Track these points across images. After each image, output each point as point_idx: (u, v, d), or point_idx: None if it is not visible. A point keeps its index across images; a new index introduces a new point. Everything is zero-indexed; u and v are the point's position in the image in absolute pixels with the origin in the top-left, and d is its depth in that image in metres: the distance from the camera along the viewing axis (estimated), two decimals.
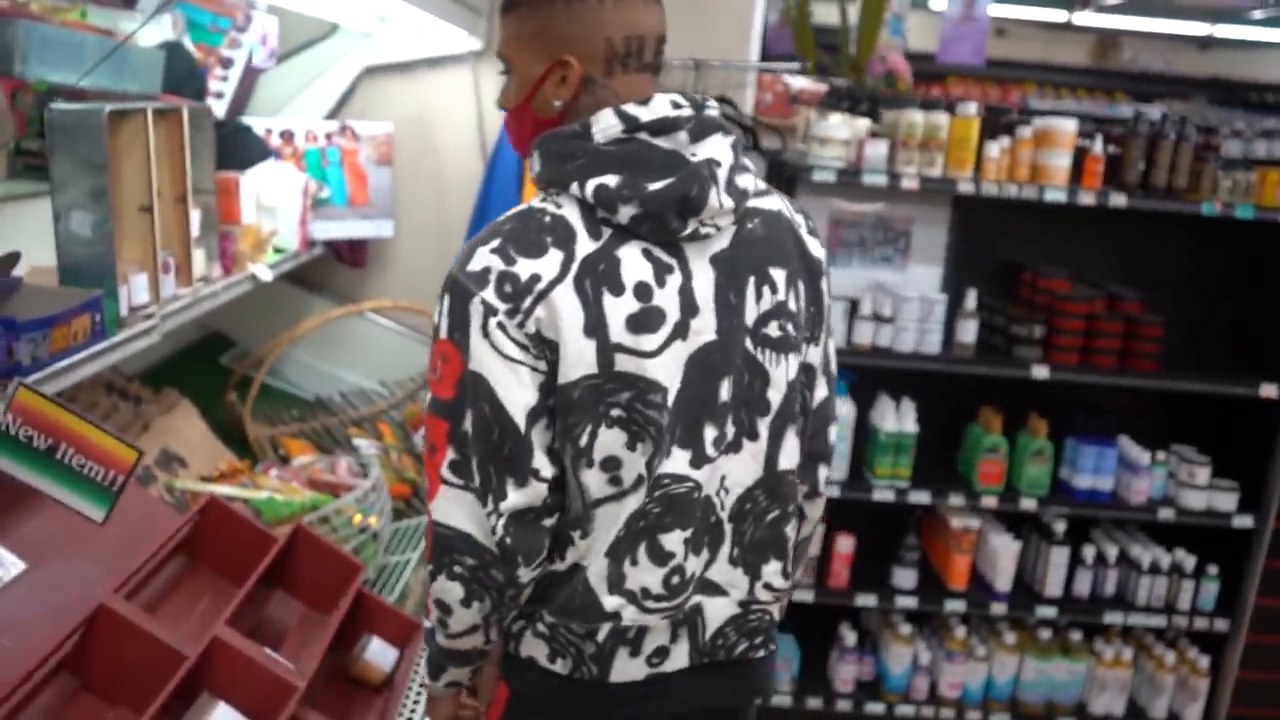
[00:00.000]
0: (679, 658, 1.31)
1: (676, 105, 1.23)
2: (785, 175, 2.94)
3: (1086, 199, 2.70)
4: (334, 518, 2.17)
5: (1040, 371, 2.80)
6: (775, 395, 1.29)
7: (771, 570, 1.35)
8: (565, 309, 1.17)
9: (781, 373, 1.30)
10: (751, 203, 1.29)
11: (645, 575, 1.26)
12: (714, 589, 1.32)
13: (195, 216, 2.13)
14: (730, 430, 1.27)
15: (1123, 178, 2.75)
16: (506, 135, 1.39)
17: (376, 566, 2.29)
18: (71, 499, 1.45)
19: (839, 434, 2.90)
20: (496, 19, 3.16)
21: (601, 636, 1.27)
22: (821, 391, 1.39)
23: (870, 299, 2.83)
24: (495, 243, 1.18)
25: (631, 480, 1.23)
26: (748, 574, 1.34)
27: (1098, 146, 2.72)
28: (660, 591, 1.27)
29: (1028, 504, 2.92)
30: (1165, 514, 2.93)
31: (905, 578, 2.98)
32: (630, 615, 1.26)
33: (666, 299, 1.21)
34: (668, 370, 1.21)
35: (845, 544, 2.96)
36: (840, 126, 2.74)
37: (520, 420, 1.19)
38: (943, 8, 7.08)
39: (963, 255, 3.05)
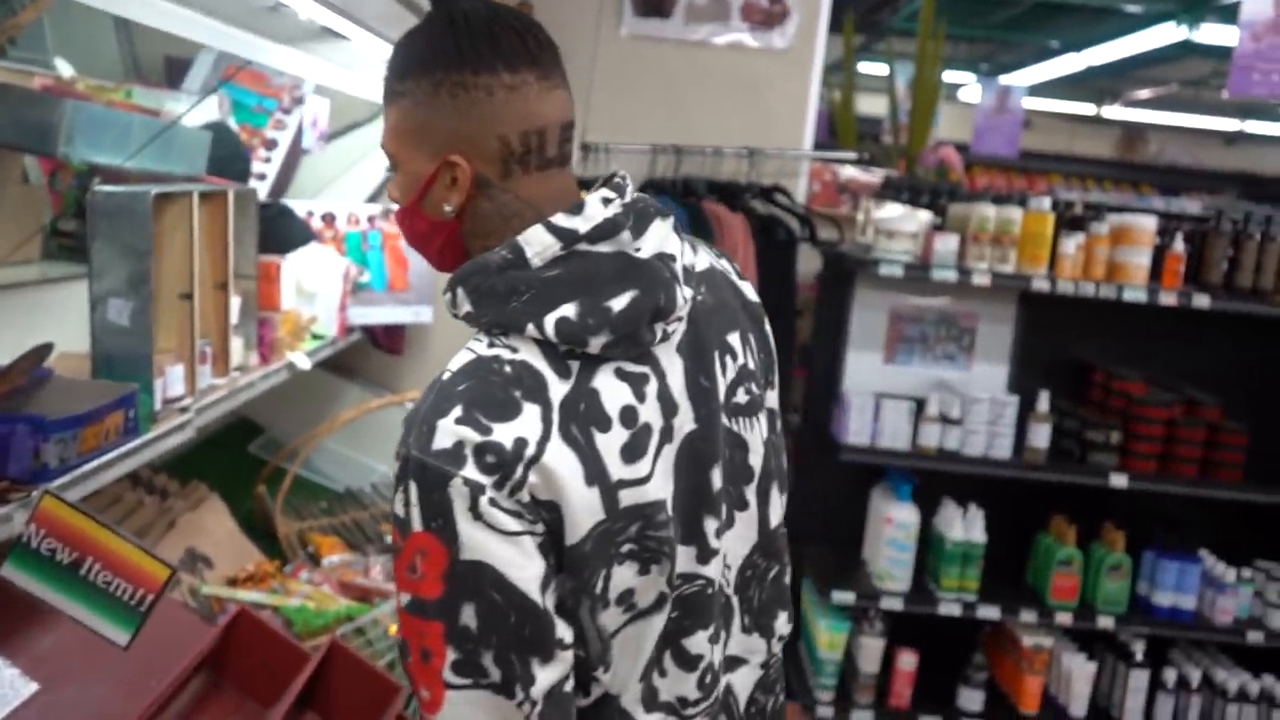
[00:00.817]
0: None
1: (607, 201, 1.08)
2: (845, 268, 2.83)
3: (1168, 299, 2.57)
4: (370, 629, 2.01)
5: (1119, 480, 2.63)
6: (755, 459, 1.22)
7: (781, 623, 1.31)
8: (562, 467, 1.03)
9: (756, 435, 1.22)
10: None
11: (679, 685, 1.17)
12: (737, 662, 1.26)
13: (235, 303, 2.02)
14: (724, 513, 1.19)
15: (1204, 277, 2.62)
16: (401, 230, 1.21)
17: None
18: (94, 620, 1.30)
19: (902, 541, 2.74)
20: None
21: None
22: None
23: (937, 400, 2.68)
24: (457, 411, 1.01)
25: (650, 601, 1.13)
26: (764, 636, 1.28)
27: (1178, 245, 2.60)
28: (696, 696, 1.19)
29: (1104, 622, 2.72)
30: (1254, 636, 2.72)
31: (972, 699, 2.77)
32: None
33: (649, 412, 1.09)
34: (663, 480, 1.10)
35: (908, 661, 2.75)
36: (906, 219, 2.63)
37: (537, 596, 1.04)
38: (975, 100, 7.08)
39: (1030, 353, 2.91)
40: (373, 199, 3.10)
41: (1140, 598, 2.80)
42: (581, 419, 1.04)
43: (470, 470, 1.00)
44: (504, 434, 1.00)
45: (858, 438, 2.69)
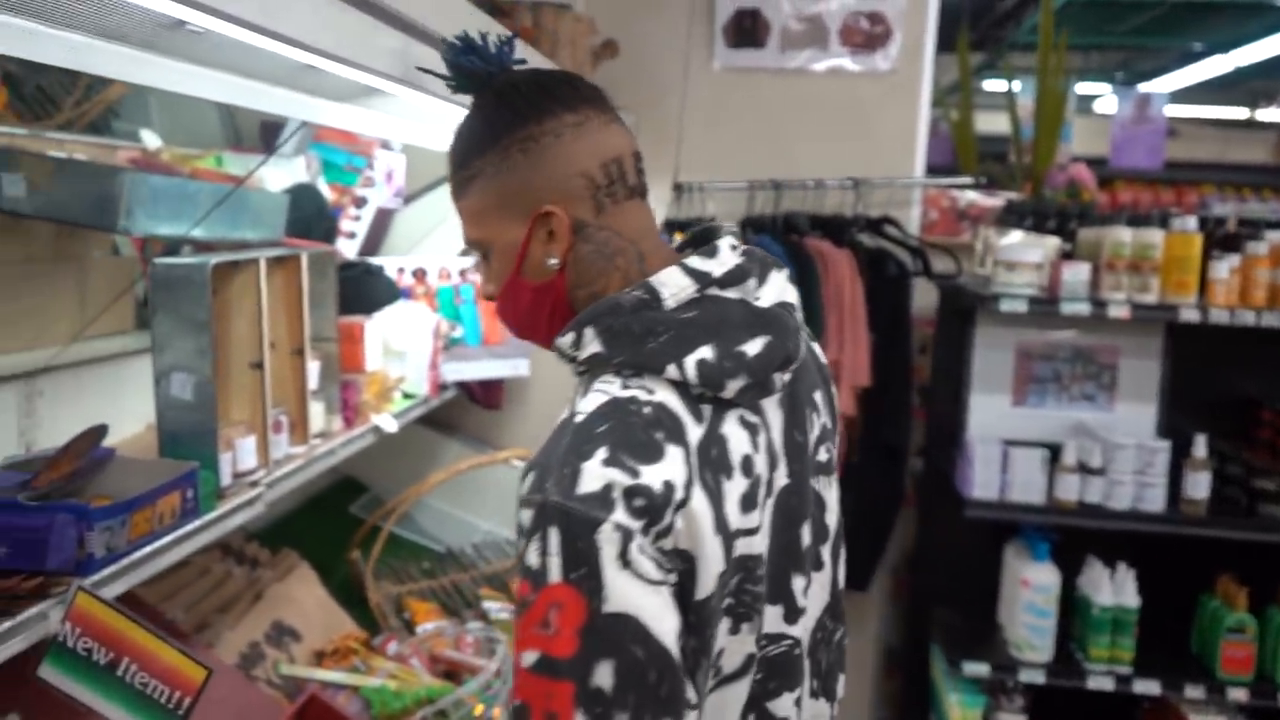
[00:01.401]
0: None
1: (734, 247, 1.09)
2: (963, 304, 2.60)
3: None
4: (452, 711, 1.90)
5: None
6: (831, 519, 1.21)
7: (840, 686, 1.27)
8: (700, 514, 0.99)
9: (833, 495, 1.22)
10: None
11: None
12: None
13: (314, 368, 1.97)
14: (808, 572, 1.16)
15: None
16: (503, 320, 1.17)
17: None
18: None
19: (1041, 606, 2.46)
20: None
21: None
22: None
23: (1075, 447, 2.41)
24: (603, 453, 0.97)
25: (736, 665, 1.09)
26: (829, 700, 1.24)
27: None
28: None
29: None
30: None
31: None
32: None
33: (761, 463, 1.07)
34: (765, 535, 1.08)
35: None
36: (1028, 248, 2.39)
37: (675, 651, 1.00)
38: (1112, 111, 6.65)
39: (1182, 391, 2.60)
40: (466, 252, 3.05)
41: None
42: (713, 465, 1.02)
43: (620, 515, 0.96)
44: (652, 477, 0.97)
45: (984, 491, 2.44)
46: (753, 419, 1.07)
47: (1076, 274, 2.33)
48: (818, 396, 1.19)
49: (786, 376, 1.08)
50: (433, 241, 3.06)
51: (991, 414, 2.67)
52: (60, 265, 1.76)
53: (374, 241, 2.78)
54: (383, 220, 2.78)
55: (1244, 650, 2.39)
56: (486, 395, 3.01)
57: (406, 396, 2.50)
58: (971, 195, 3.39)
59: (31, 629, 1.17)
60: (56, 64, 1.06)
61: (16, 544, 1.21)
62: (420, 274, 2.74)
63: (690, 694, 1.02)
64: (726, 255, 1.07)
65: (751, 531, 1.06)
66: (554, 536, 0.95)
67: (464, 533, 3.02)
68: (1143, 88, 6.97)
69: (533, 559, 0.97)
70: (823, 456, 1.18)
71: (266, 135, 2.60)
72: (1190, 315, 2.29)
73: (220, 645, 1.87)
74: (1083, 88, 7.77)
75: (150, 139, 2.17)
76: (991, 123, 4.71)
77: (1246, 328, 2.30)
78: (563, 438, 1.00)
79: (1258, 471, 2.38)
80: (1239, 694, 2.39)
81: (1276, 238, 2.34)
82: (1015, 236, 2.45)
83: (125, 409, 1.87)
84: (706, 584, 1.01)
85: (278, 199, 2.12)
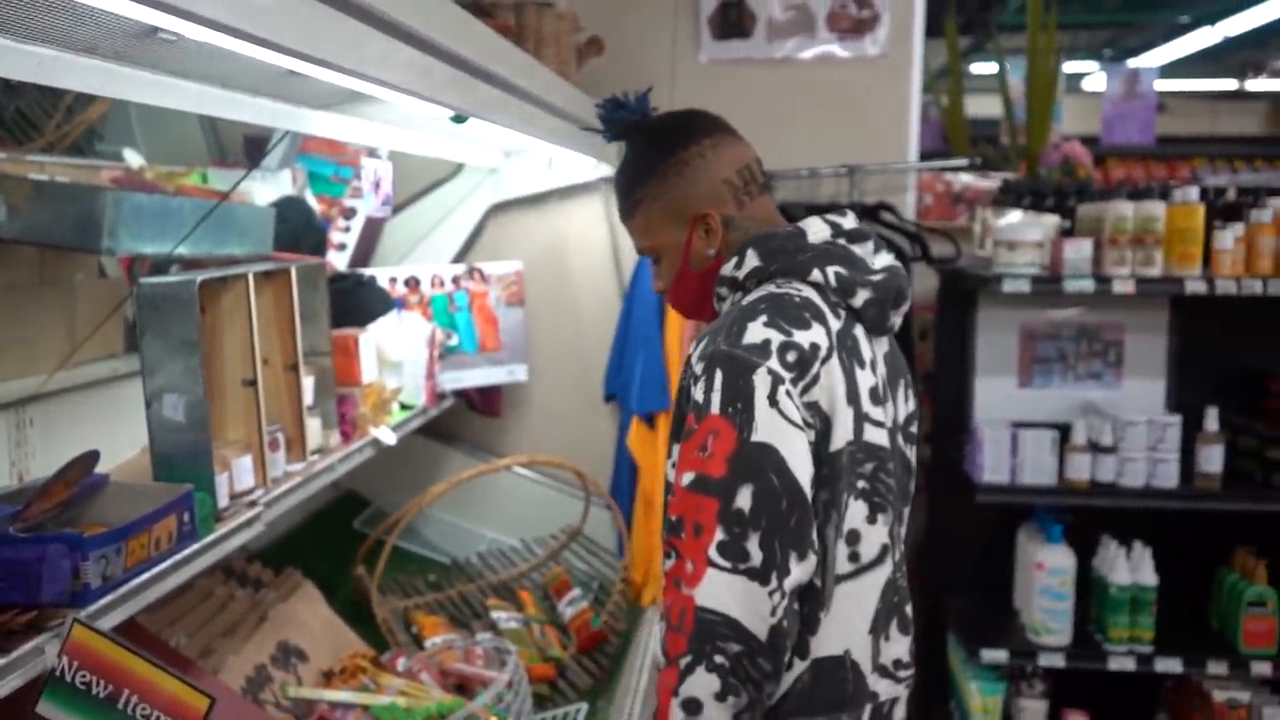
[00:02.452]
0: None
1: (857, 219, 1.37)
2: (964, 287, 2.56)
3: None
4: None
5: None
6: (910, 486, 1.40)
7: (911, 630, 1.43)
8: (835, 377, 1.23)
9: (913, 465, 1.41)
10: None
11: (896, 647, 1.33)
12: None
13: (309, 383, 1.93)
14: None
15: None
16: (675, 307, 1.47)
17: None
18: None
19: (1057, 589, 2.43)
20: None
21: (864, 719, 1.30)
22: None
23: (1084, 426, 2.38)
24: (763, 318, 1.22)
25: (874, 554, 1.28)
26: (905, 635, 1.40)
27: None
28: (907, 660, 1.35)
29: None
30: None
31: None
32: (885, 689, 1.31)
33: (880, 380, 1.31)
34: (887, 438, 1.29)
35: None
36: (1028, 227, 2.36)
37: (808, 489, 1.20)
38: (1100, 88, 6.62)
39: (1190, 365, 2.57)
40: (459, 257, 3.02)
41: None
42: (848, 350, 1.26)
43: (774, 363, 1.20)
44: (803, 338, 1.22)
45: (995, 475, 2.41)
46: (869, 350, 1.30)
47: (1079, 250, 2.30)
48: (906, 375, 1.39)
49: (897, 321, 1.33)
50: (424, 250, 3.02)
51: (998, 397, 2.63)
52: (46, 290, 1.72)
53: (364, 252, 2.75)
54: (372, 230, 2.75)
55: (1265, 623, 2.35)
56: (485, 403, 2.97)
57: (404, 408, 2.46)
58: (966, 178, 3.36)
59: (28, 664, 1.13)
60: (26, 79, 1.02)
61: (9, 577, 1.17)
62: (413, 283, 2.71)
63: (814, 538, 1.21)
64: (852, 218, 1.35)
65: (879, 424, 1.28)
66: (719, 376, 1.20)
67: (469, 543, 2.98)
68: (1131, 63, 6.94)
69: (699, 395, 1.21)
70: (913, 428, 1.39)
71: (251, 150, 2.56)
72: (1196, 287, 2.26)
73: (225, 670, 1.83)
74: (1070, 67, 7.73)
75: (133, 158, 2.13)
76: (981, 106, 4.67)
77: (1253, 297, 2.27)
78: (729, 317, 1.25)
79: (1271, 442, 2.35)
80: (1263, 668, 2.36)
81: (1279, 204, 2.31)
82: (1014, 216, 2.42)
83: (118, 433, 1.83)
84: (838, 441, 1.23)
85: (264, 213, 2.08)
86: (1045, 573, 2.41)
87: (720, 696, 1.17)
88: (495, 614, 2.51)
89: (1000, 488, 2.42)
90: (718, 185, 1.34)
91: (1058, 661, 2.39)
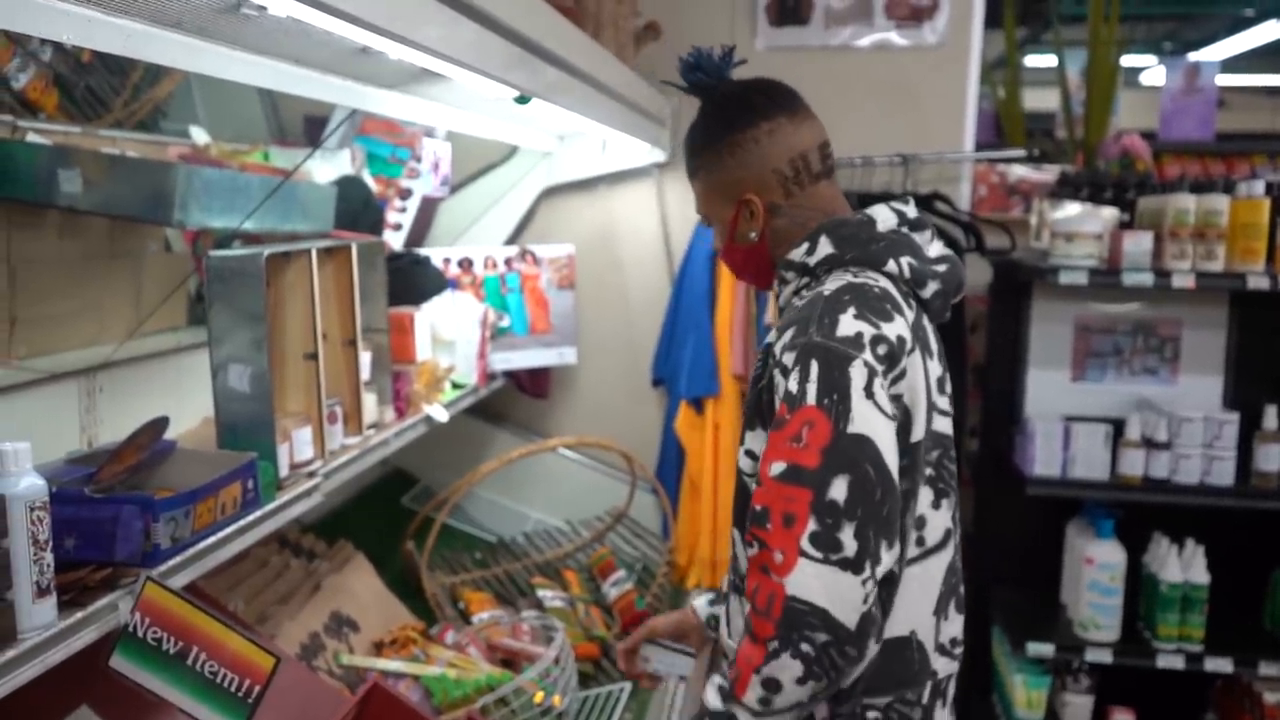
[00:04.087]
0: (953, 697, 1.41)
1: (918, 208, 1.40)
2: (1019, 279, 2.54)
3: None
4: (513, 698, 1.89)
5: None
6: (954, 468, 1.39)
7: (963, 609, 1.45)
8: (917, 370, 1.27)
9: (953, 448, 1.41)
10: None
11: (953, 626, 1.37)
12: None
13: (366, 359, 1.96)
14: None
15: None
16: (728, 267, 1.52)
17: None
18: (203, 711, 1.23)
19: (1106, 585, 2.40)
20: (680, 130, 2.96)
21: (926, 697, 1.34)
22: None
23: (1138, 421, 2.35)
24: (852, 310, 1.24)
25: (938, 538, 1.32)
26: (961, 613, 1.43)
27: None
28: (962, 638, 1.39)
29: None
30: None
31: None
32: (943, 666, 1.36)
33: (944, 369, 1.36)
34: (949, 426, 1.34)
35: None
36: (1087, 218, 2.33)
37: (898, 480, 1.23)
38: (1159, 82, 6.49)
39: (1249, 362, 2.52)
40: (511, 239, 3.04)
41: None
42: (921, 341, 1.29)
43: (869, 355, 1.22)
44: (891, 331, 1.24)
45: (1046, 468, 2.38)
46: (934, 341, 1.33)
47: (1139, 244, 2.26)
48: (944, 370, 1.39)
49: (948, 313, 1.37)
50: (478, 231, 3.05)
51: (1050, 390, 2.61)
52: (115, 262, 1.77)
53: (419, 232, 2.78)
54: (428, 210, 2.78)
55: None
56: (534, 384, 3.00)
57: (456, 386, 2.49)
58: (1021, 170, 3.31)
59: (102, 620, 1.17)
60: (113, 51, 1.05)
61: (84, 536, 1.21)
62: (466, 264, 2.74)
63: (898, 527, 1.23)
64: (914, 208, 1.38)
65: (945, 413, 1.33)
66: (814, 367, 1.21)
67: (515, 522, 3.02)
68: (1191, 57, 6.79)
69: (793, 386, 1.23)
70: (954, 413, 1.38)
71: (311, 130, 2.60)
72: (1259, 283, 2.21)
73: (281, 636, 1.88)
74: (1128, 60, 7.58)
75: (199, 135, 2.18)
76: (1036, 99, 4.60)
77: None
78: (814, 307, 1.26)
79: None
80: None
81: None
82: (1072, 208, 2.38)
83: (181, 404, 1.88)
84: (918, 433, 1.26)
85: (326, 191, 2.12)
86: (1095, 568, 2.39)
87: (801, 680, 1.20)
88: (541, 592, 2.55)
89: (1051, 481, 2.40)
90: (766, 173, 1.35)
91: (1105, 657, 2.37)
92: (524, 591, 2.61)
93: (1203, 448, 2.31)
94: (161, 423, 1.46)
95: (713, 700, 1.29)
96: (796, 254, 1.35)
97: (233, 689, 1.22)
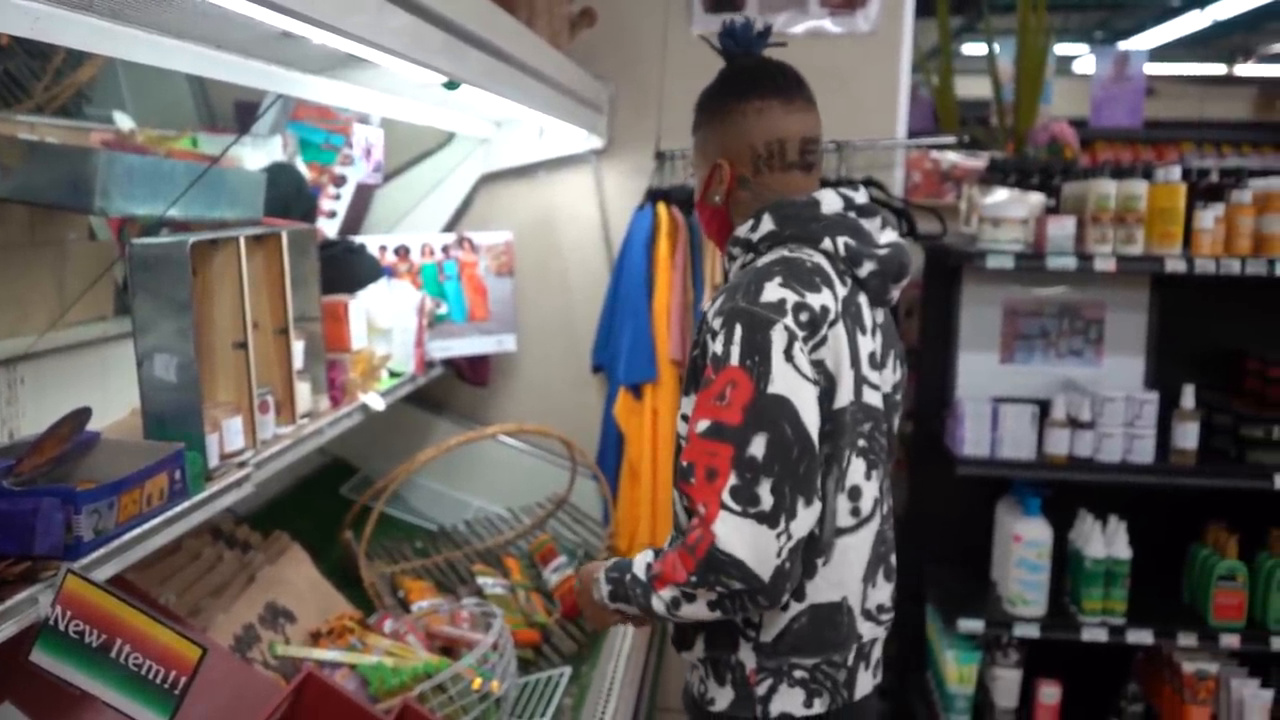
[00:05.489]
0: (876, 660, 1.49)
1: (868, 194, 1.48)
2: (949, 263, 2.59)
3: None
4: (450, 685, 1.89)
5: None
6: (890, 446, 1.47)
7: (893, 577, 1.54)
8: (841, 340, 1.33)
9: (894, 431, 1.51)
10: None
11: (880, 593, 1.45)
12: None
13: (298, 347, 1.94)
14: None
15: None
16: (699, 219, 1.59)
17: None
18: (128, 704, 1.22)
19: (1034, 561, 2.47)
20: (618, 117, 2.96)
21: (850, 659, 1.42)
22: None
23: (1064, 401, 2.41)
24: (778, 279, 1.32)
25: (869, 509, 1.40)
26: (890, 581, 1.51)
27: None
28: (889, 604, 1.47)
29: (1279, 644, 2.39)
30: None
31: None
32: (868, 631, 1.44)
33: (878, 347, 1.42)
34: (881, 402, 1.41)
35: (1050, 693, 2.49)
36: (1014, 204, 2.38)
37: (816, 439, 1.30)
38: (1090, 70, 6.62)
39: (1169, 343, 2.61)
40: (449, 226, 3.03)
41: None
42: (852, 316, 1.37)
43: (790, 320, 1.29)
44: (815, 300, 1.32)
45: (975, 448, 2.44)
46: (870, 318, 1.40)
47: (1062, 228, 2.32)
48: (893, 351, 1.47)
49: (895, 295, 1.43)
50: (415, 218, 3.03)
51: (980, 373, 2.67)
52: (37, 251, 1.72)
53: (355, 220, 2.75)
54: (363, 197, 2.75)
55: (1235, 597, 2.40)
56: (474, 372, 2.99)
57: (393, 375, 2.48)
58: (954, 156, 3.38)
59: (21, 614, 1.15)
60: (20, 35, 1.02)
61: (3, 529, 1.19)
62: (403, 251, 2.72)
63: (819, 487, 1.31)
64: (864, 194, 1.46)
65: (876, 387, 1.39)
66: (738, 330, 1.29)
67: (456, 510, 3.01)
68: (1121, 46, 6.93)
69: (718, 348, 1.30)
70: (897, 397, 1.47)
71: (242, 116, 2.56)
72: (1176, 266, 2.29)
73: (214, 628, 1.86)
74: (1061, 49, 7.72)
75: (123, 121, 2.13)
76: (971, 87, 4.67)
77: (1231, 277, 2.30)
78: (745, 277, 1.35)
79: (1245, 420, 2.39)
80: (1231, 640, 2.41)
81: (1260, 186, 2.34)
82: (1000, 194, 2.44)
83: (108, 395, 1.85)
84: (841, 400, 1.33)
85: (255, 177, 2.09)
86: (1022, 545, 2.45)
87: (711, 609, 1.31)
88: (481, 580, 2.54)
89: (981, 461, 2.46)
90: (744, 146, 1.43)
91: (1032, 632, 2.44)
92: (465, 579, 2.61)
93: (1124, 427, 2.39)
94: (84, 413, 1.44)
95: (639, 567, 1.39)
96: (742, 230, 1.43)
97: (158, 681, 1.21)
